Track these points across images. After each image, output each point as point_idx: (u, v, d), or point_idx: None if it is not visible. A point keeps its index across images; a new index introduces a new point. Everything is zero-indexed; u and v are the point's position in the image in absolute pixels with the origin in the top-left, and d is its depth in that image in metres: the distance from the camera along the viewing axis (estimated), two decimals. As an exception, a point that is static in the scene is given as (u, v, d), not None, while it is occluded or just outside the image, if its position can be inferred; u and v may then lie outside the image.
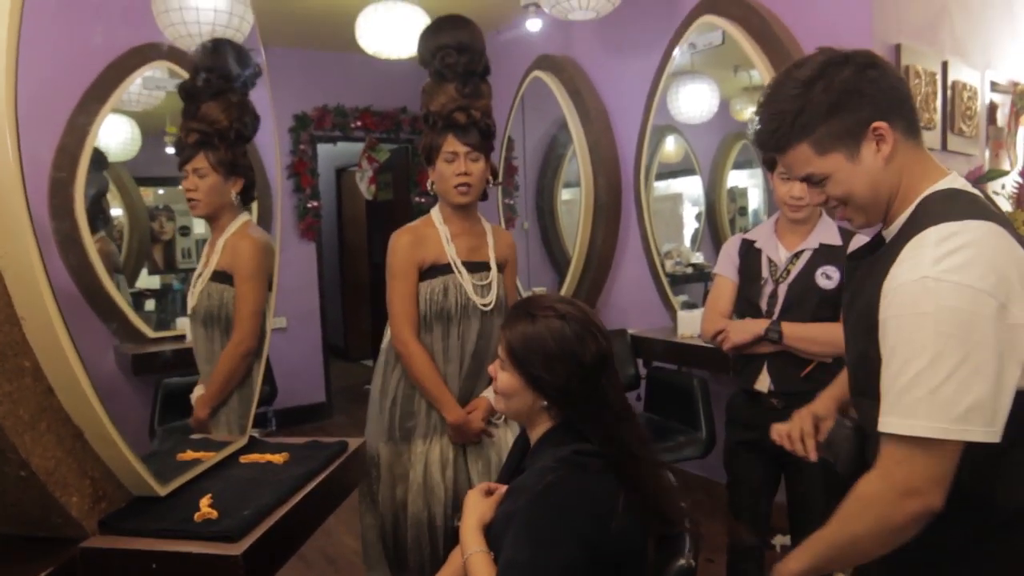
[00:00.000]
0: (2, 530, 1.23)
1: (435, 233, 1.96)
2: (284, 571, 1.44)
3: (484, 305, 1.93)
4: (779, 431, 1.44)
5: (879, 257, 1.07)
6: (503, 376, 1.27)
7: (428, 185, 2.00)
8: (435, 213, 2.00)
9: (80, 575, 1.18)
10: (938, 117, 2.99)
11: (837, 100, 1.04)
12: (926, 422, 0.92)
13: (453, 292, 1.91)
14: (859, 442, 1.27)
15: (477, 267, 1.97)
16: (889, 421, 0.96)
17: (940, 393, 0.91)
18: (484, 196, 2.01)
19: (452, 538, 1.37)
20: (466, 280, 1.92)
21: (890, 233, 1.09)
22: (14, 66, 1.05)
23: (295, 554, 1.48)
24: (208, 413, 1.78)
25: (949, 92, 3.04)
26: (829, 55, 1.06)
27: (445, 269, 1.93)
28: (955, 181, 1.07)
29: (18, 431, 1.09)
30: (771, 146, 1.12)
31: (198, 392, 1.83)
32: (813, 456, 1.40)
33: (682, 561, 1.18)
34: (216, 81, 1.75)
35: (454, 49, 1.91)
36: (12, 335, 1.09)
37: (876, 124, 1.04)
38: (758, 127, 1.13)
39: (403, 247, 1.93)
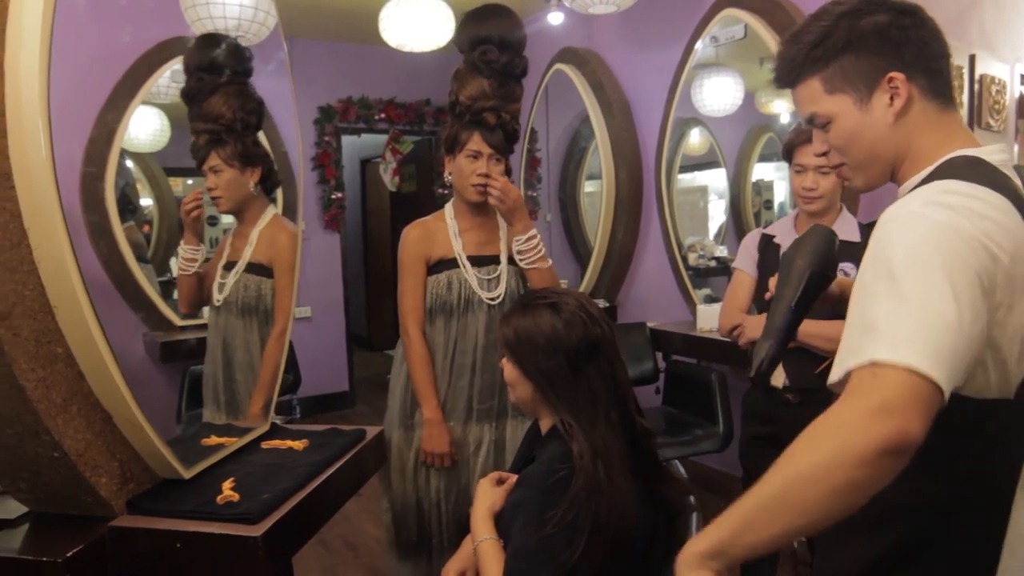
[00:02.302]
0: (38, 508, 1.30)
1: (444, 228, 1.97)
2: (306, 556, 1.48)
3: (491, 299, 1.94)
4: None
5: None
6: (507, 367, 1.31)
7: (445, 176, 2.00)
8: (448, 207, 2.01)
9: (109, 552, 1.23)
10: (964, 112, 2.95)
11: (858, 38, 0.96)
12: (884, 349, 0.77)
13: (457, 286, 1.93)
14: (826, 238, 1.18)
15: (485, 261, 1.97)
16: (848, 356, 0.81)
17: (896, 316, 0.78)
18: None
19: (458, 526, 1.40)
20: (471, 274, 1.93)
21: (900, 196, 1.00)
22: (47, 70, 1.10)
23: (316, 539, 1.52)
24: (262, 405, 1.82)
25: (977, 86, 3.00)
26: None
27: (452, 263, 1.94)
28: (991, 154, 0.95)
29: (51, 414, 1.14)
30: (785, 78, 1.04)
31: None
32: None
33: (687, 551, 1.20)
34: (209, 78, 1.77)
35: (496, 45, 1.89)
36: (46, 323, 1.15)
37: (893, 74, 0.96)
38: (778, 58, 1.05)
39: (411, 241, 1.96)
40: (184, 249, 1.82)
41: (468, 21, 1.96)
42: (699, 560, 0.84)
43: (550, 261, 1.96)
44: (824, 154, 1.07)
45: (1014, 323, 0.86)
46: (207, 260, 1.91)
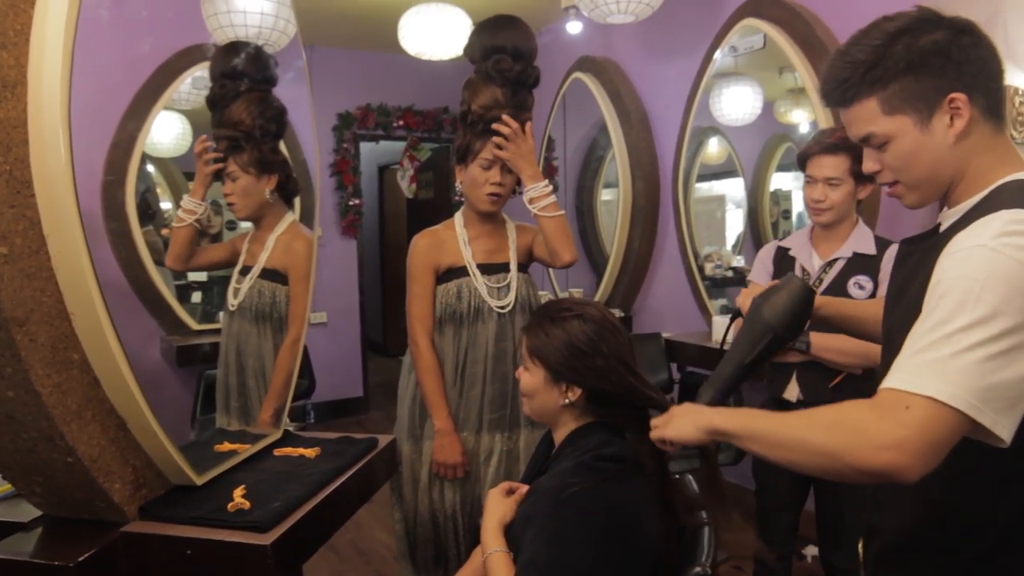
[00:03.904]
0: (52, 512, 1.31)
1: (453, 236, 1.97)
2: (317, 562, 1.48)
3: (500, 307, 1.93)
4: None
5: (936, 242, 0.97)
6: (526, 376, 1.31)
7: (456, 184, 1.98)
8: (458, 216, 2.01)
9: (120, 557, 1.24)
10: (987, 123, 2.91)
11: (919, 59, 0.94)
12: (940, 384, 0.81)
13: (467, 295, 1.92)
14: (801, 298, 1.18)
15: (495, 269, 1.96)
16: (899, 377, 0.84)
17: (968, 357, 0.81)
18: None
19: (474, 537, 1.40)
20: (480, 283, 1.92)
21: (950, 217, 1.00)
22: (68, 81, 1.11)
23: (326, 545, 1.52)
24: (272, 413, 1.82)
25: (1000, 98, 2.96)
26: (924, 12, 0.97)
27: (461, 272, 1.94)
28: None
29: (66, 420, 1.15)
30: (836, 97, 1.02)
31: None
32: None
33: (697, 569, 1.19)
34: (232, 84, 1.79)
35: (510, 55, 1.89)
36: (62, 329, 1.16)
37: (954, 95, 0.94)
38: (826, 76, 1.03)
39: (420, 251, 1.95)
40: (186, 200, 1.80)
41: (481, 31, 1.96)
42: (702, 426, 1.03)
43: (563, 211, 1.92)
44: (876, 172, 1.05)
45: None
46: (203, 232, 1.90)
